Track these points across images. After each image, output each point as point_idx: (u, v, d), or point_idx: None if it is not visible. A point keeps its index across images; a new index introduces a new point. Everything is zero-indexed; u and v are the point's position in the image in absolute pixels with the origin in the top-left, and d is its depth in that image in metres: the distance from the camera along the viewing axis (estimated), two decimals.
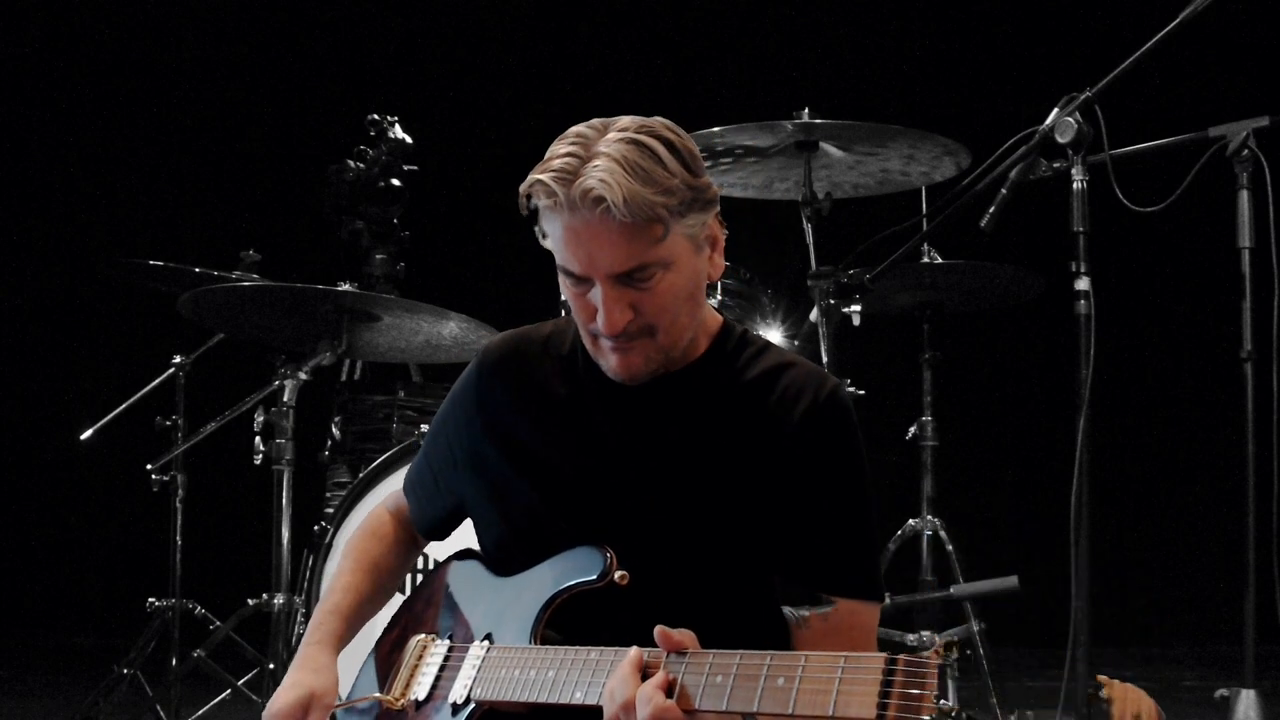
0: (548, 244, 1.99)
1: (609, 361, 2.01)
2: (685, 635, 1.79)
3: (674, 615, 1.94)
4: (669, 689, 1.74)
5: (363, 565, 2.32)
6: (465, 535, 2.31)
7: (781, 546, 2.00)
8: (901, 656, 1.46)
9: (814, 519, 2.00)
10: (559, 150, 1.92)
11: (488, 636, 2.07)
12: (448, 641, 2.13)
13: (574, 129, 1.95)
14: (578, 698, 1.82)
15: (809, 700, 1.54)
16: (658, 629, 1.79)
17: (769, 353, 2.09)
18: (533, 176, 1.92)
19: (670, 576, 2.00)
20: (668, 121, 1.98)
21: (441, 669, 2.09)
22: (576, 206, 1.88)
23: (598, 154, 1.89)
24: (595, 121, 1.96)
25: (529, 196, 1.94)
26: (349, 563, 2.33)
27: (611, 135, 1.91)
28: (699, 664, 1.74)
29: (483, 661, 2.02)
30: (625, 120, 1.95)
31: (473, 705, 2.00)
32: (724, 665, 1.71)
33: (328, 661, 2.18)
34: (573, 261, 1.94)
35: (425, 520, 2.35)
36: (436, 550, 2.52)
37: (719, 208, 2.02)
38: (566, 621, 1.96)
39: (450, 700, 2.03)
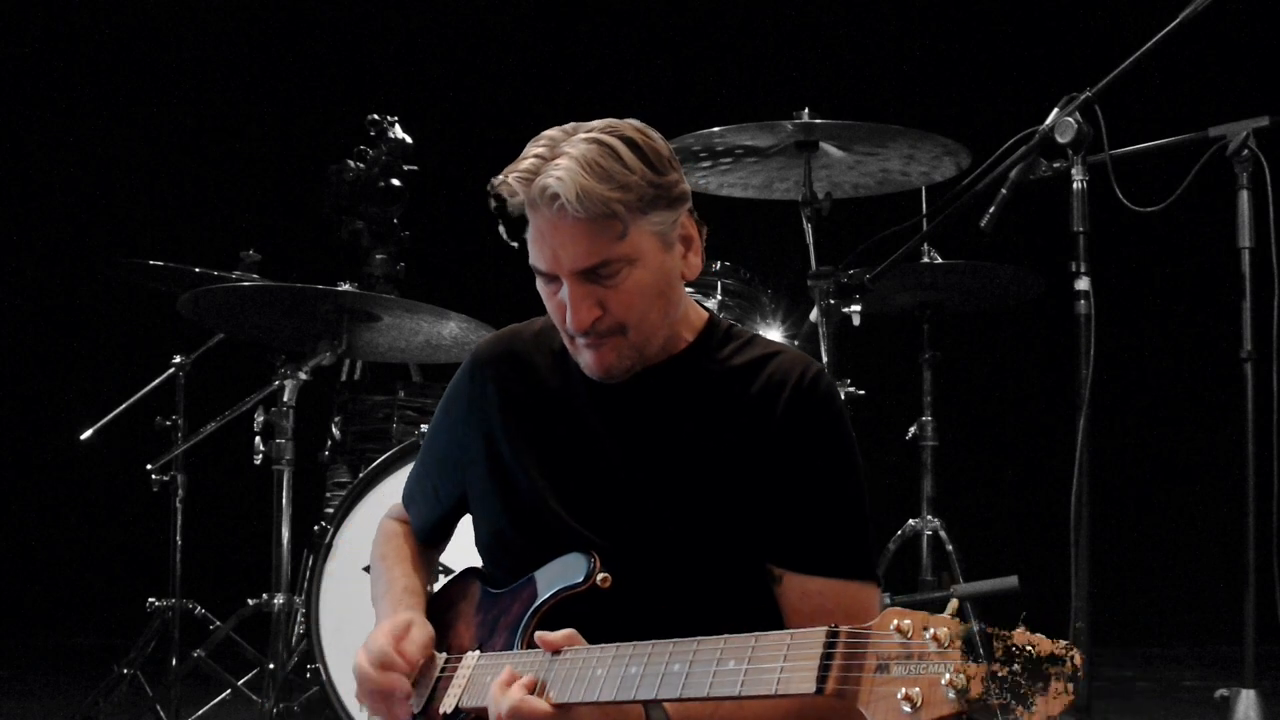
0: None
1: (585, 359, 2.06)
2: (565, 635, 1.86)
3: (666, 610, 1.97)
4: (533, 688, 1.82)
5: (404, 558, 2.33)
6: (465, 536, 2.31)
7: (773, 531, 2.02)
8: (844, 628, 1.46)
9: (802, 502, 2.01)
10: (529, 151, 1.99)
11: (480, 647, 2.09)
12: (444, 654, 2.15)
13: (547, 131, 2.01)
14: (552, 696, 1.83)
15: (756, 680, 1.55)
16: (537, 634, 1.87)
17: (754, 343, 2.12)
18: (501, 175, 1.98)
19: (663, 568, 2.02)
20: (639, 123, 2.03)
21: (437, 682, 2.11)
22: (536, 204, 1.95)
23: (561, 154, 1.94)
24: (569, 125, 2.01)
25: (497, 195, 1.99)
26: (392, 558, 2.33)
27: (578, 136, 1.97)
28: (573, 661, 1.80)
29: (472, 671, 2.04)
30: (596, 122, 2.00)
31: (461, 715, 2.01)
32: (604, 658, 1.76)
33: (424, 618, 2.18)
34: (540, 259, 2.00)
35: (425, 527, 2.37)
36: (447, 558, 2.52)
37: (690, 205, 2.06)
38: (559, 627, 1.96)
39: (442, 711, 2.05)
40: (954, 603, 1.41)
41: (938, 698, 1.35)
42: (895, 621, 1.41)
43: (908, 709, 1.36)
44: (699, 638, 1.67)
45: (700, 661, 1.64)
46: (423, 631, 2.12)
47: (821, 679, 1.45)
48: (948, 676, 1.35)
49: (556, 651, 1.85)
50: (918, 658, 1.38)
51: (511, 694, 1.82)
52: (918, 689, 1.36)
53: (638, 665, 1.73)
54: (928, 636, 1.38)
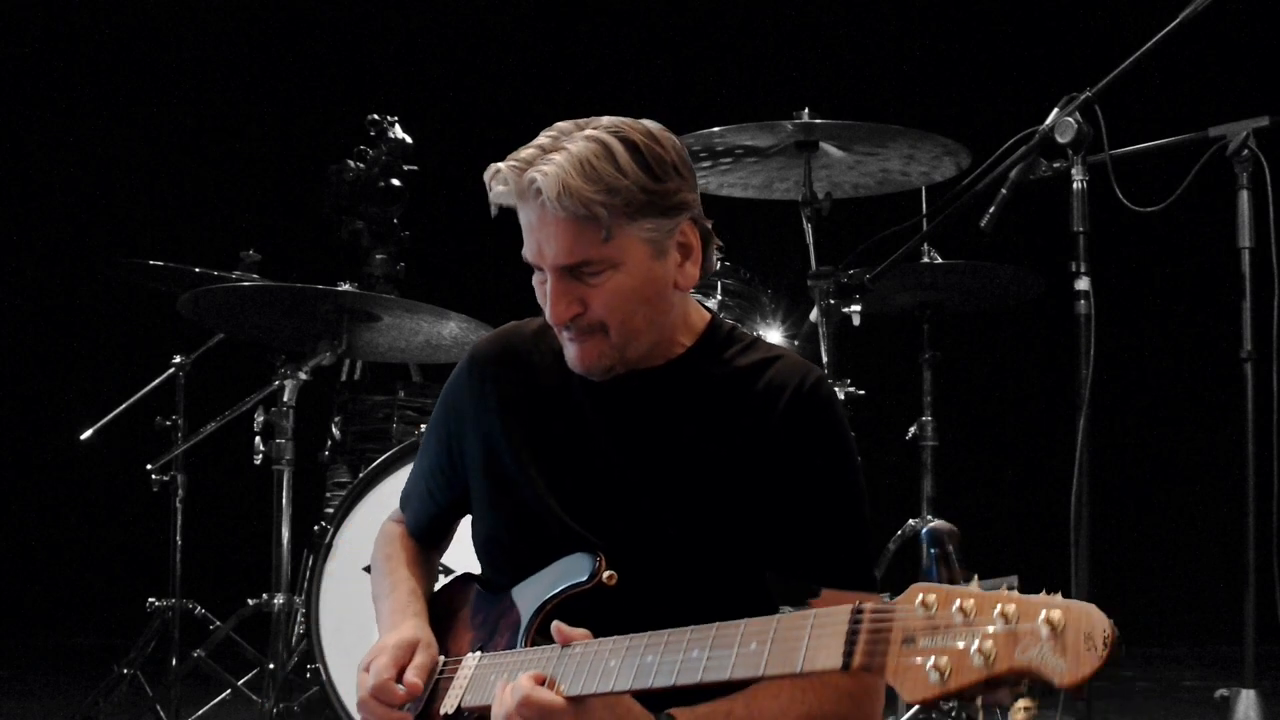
0: None
1: (569, 352, 2.05)
2: (581, 631, 1.85)
3: (665, 611, 1.93)
4: (541, 682, 1.81)
5: (406, 560, 2.32)
6: (467, 537, 2.31)
7: (771, 539, 2.01)
8: (868, 605, 1.46)
9: (801, 509, 2.00)
10: (535, 140, 1.97)
11: (481, 648, 2.08)
12: (442, 657, 2.14)
13: (560, 123, 1.99)
14: (563, 690, 1.83)
15: (780, 660, 1.55)
16: (554, 623, 1.86)
17: (756, 347, 2.11)
18: (503, 161, 1.97)
19: (660, 570, 2.01)
20: (653, 126, 2.00)
21: (437, 684, 2.10)
22: (525, 196, 1.95)
23: (561, 148, 1.93)
24: (585, 119, 1.99)
25: (494, 179, 1.98)
26: (396, 559, 2.32)
27: (583, 132, 1.95)
28: (583, 655, 1.80)
29: (474, 671, 2.03)
30: (607, 119, 1.98)
31: (463, 715, 2.01)
32: (617, 649, 1.76)
33: (428, 630, 2.17)
34: (527, 250, 2.01)
35: (419, 526, 2.36)
36: (448, 559, 2.52)
37: (691, 215, 2.01)
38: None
39: (442, 712, 2.04)
40: (976, 577, 1.41)
41: (966, 665, 1.34)
42: (920, 596, 1.40)
43: (936, 679, 1.35)
44: (716, 623, 1.66)
45: (720, 645, 1.63)
46: (427, 655, 2.10)
47: (848, 654, 1.45)
48: (976, 644, 1.34)
49: (565, 645, 1.84)
50: (945, 629, 1.37)
51: (520, 684, 1.81)
52: (946, 659, 1.35)
53: (654, 654, 1.72)
54: (954, 609, 1.37)
